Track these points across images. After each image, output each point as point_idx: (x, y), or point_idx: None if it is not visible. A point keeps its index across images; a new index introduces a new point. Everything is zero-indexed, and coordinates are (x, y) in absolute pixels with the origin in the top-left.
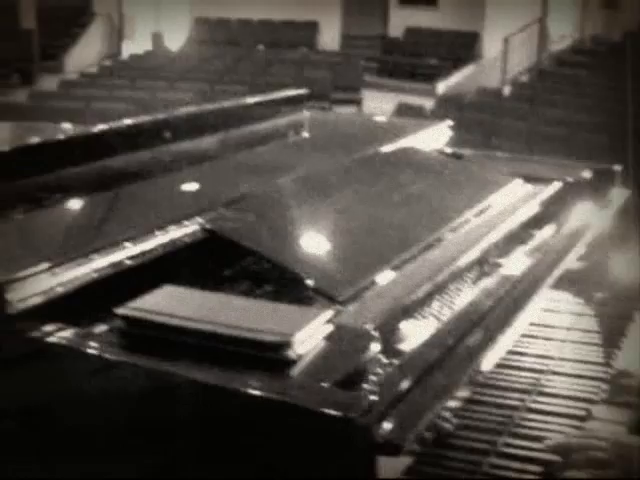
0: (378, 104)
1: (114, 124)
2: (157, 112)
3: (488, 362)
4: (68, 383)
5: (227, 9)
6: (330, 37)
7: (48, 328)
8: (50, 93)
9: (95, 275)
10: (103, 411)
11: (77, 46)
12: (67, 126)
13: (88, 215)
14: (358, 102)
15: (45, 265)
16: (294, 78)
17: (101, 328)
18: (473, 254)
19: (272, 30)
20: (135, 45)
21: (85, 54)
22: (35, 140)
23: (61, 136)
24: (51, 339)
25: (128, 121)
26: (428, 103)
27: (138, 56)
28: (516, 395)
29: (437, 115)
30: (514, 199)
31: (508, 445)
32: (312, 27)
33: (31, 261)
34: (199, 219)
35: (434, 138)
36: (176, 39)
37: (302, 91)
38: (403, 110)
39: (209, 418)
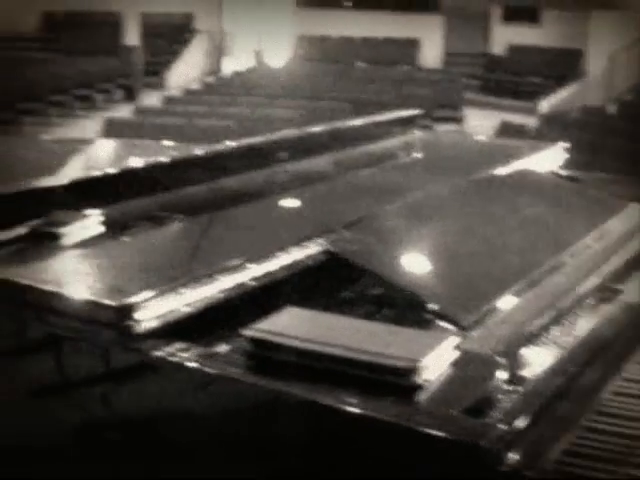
0: (479, 122)
1: (231, 144)
2: (271, 133)
3: (607, 389)
4: (190, 401)
5: (330, 27)
6: (431, 54)
7: (173, 347)
8: (154, 109)
9: (219, 296)
10: (220, 429)
11: (178, 62)
12: (172, 144)
13: (209, 235)
14: (459, 120)
15: (170, 286)
16: (395, 95)
17: (223, 348)
18: (593, 280)
19: (373, 47)
20: (235, 62)
21: (186, 70)
22: (154, 159)
23: (179, 156)
24: (176, 358)
25: (245, 141)
26: (531, 122)
27: (240, 73)
28: (635, 424)
29: (541, 134)
30: (632, 224)
31: (629, 476)
32: (413, 44)
33: (156, 282)
34: (320, 241)
35: (549, 160)
36: (277, 56)
37: (414, 111)
38: (506, 129)
39: (333, 442)
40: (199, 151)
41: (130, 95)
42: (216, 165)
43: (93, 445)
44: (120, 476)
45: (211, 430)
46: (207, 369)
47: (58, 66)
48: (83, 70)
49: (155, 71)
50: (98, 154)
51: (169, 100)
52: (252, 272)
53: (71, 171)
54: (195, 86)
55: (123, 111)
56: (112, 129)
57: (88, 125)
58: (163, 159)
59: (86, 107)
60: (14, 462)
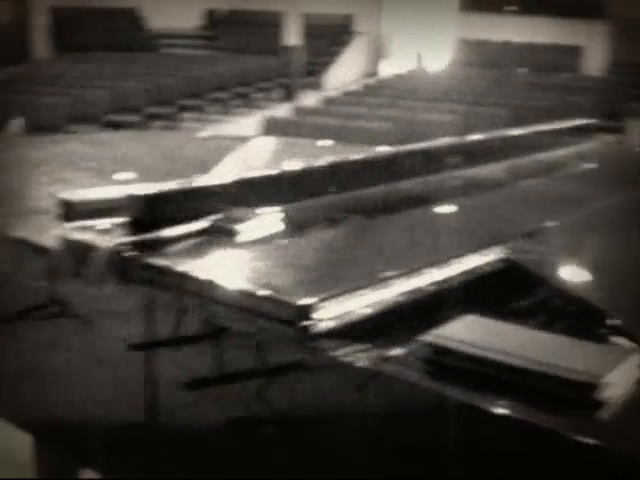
0: None
1: (404, 148)
2: (440, 138)
3: None
4: (360, 402)
5: (491, 31)
6: (595, 62)
7: (349, 348)
8: (314, 109)
9: (396, 299)
10: (387, 432)
11: (337, 64)
12: (331, 144)
13: (384, 237)
14: (621, 131)
15: (347, 287)
16: (557, 103)
17: (399, 352)
18: None
19: (534, 53)
20: (392, 64)
21: (344, 72)
22: (329, 160)
23: (353, 157)
24: (352, 359)
25: (417, 146)
26: None
27: (400, 76)
28: None
29: None
30: None
31: None
32: (576, 51)
33: (333, 282)
34: (498, 249)
35: None
36: (437, 59)
37: (591, 121)
38: None
39: (509, 455)
40: (373, 154)
41: (288, 94)
42: (389, 168)
43: (253, 443)
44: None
45: (378, 432)
46: (384, 371)
47: (219, 64)
48: (243, 68)
49: (313, 71)
50: (259, 152)
51: (328, 101)
52: (430, 277)
53: (236, 168)
54: (354, 87)
55: (281, 110)
56: (272, 127)
57: (246, 123)
58: (338, 160)
59: (244, 105)
60: (178, 456)
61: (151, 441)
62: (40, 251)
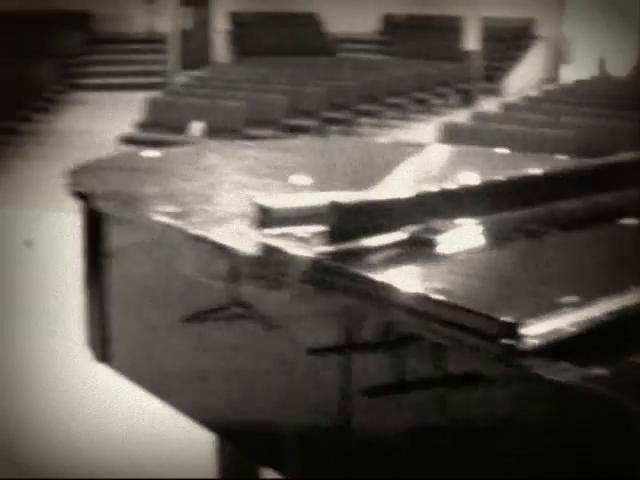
0: None
1: (603, 160)
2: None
3: None
4: (559, 420)
5: None
6: None
7: (553, 367)
8: (492, 115)
9: (603, 318)
10: (578, 453)
11: (517, 68)
12: (506, 152)
13: (585, 252)
14: None
15: (555, 304)
16: None
17: (604, 371)
18: None
19: None
20: (574, 69)
21: (523, 77)
22: (527, 172)
23: (552, 169)
24: (558, 378)
25: (617, 157)
26: None
27: (582, 81)
28: None
29: None
30: None
31: None
32: None
33: (536, 299)
34: None
35: None
36: (620, 65)
37: None
38: None
39: None
40: (571, 165)
41: (467, 100)
42: (586, 181)
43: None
44: None
45: (571, 449)
46: (588, 389)
47: (396, 69)
48: (421, 73)
49: (492, 76)
50: (436, 160)
51: (507, 107)
52: (636, 296)
53: (413, 177)
54: (534, 93)
55: (459, 116)
56: (450, 134)
57: (424, 129)
58: (536, 171)
59: (422, 110)
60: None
61: (329, 444)
62: (231, 254)
